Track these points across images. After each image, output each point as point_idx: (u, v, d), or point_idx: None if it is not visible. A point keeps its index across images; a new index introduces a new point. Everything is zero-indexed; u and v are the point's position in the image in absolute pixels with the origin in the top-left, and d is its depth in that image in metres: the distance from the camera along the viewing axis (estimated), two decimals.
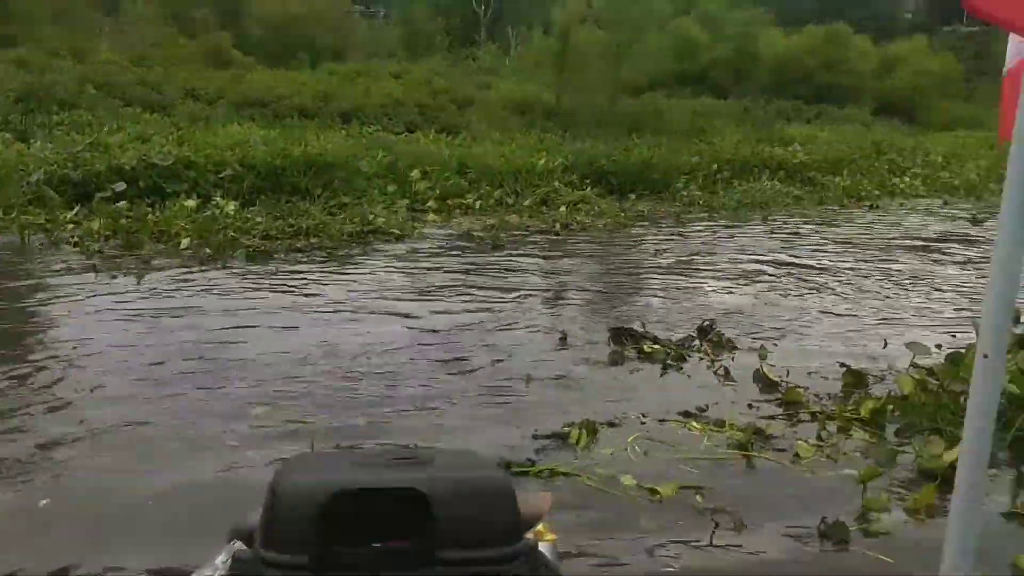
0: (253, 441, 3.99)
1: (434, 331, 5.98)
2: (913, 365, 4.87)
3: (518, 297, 7.13)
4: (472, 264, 8.48)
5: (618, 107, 22.55)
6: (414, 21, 36.46)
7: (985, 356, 1.58)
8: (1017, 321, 4.35)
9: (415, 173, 12.62)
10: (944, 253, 10.12)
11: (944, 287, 8.07)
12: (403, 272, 8.00)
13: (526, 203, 12.32)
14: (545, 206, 12.39)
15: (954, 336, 5.95)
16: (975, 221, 13.01)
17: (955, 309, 7.13)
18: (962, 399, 4.37)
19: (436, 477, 1.07)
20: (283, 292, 6.99)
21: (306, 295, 6.93)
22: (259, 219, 9.48)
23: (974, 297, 7.47)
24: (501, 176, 13.24)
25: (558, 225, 10.99)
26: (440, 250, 9.20)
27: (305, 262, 8.23)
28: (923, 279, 8.46)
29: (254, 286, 7.16)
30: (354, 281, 7.52)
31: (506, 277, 7.93)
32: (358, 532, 1.07)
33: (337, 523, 1.05)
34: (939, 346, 5.18)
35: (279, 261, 8.24)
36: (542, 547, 1.17)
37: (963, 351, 4.74)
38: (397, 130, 18.54)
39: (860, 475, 3.66)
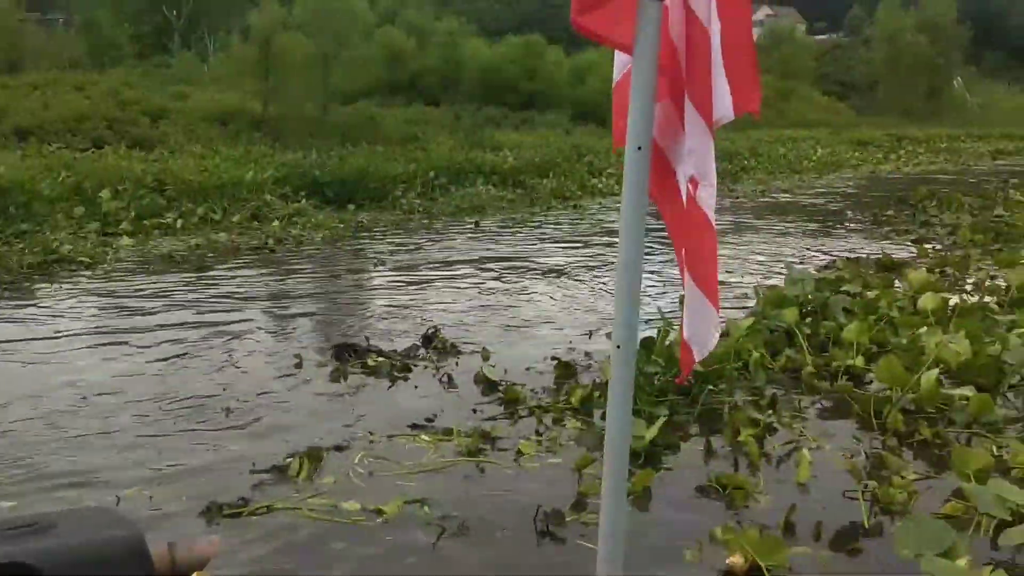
0: None
1: (140, 374, 5.44)
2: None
3: (229, 324, 6.71)
4: (175, 290, 7.86)
5: (329, 116, 22.25)
6: (98, 28, 33.22)
7: (618, 347, 1.70)
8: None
9: (105, 193, 11.46)
10: None
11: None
12: (94, 304, 7.23)
13: (235, 219, 11.71)
14: (257, 221, 11.86)
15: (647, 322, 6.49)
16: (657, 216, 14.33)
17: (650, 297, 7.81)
18: (655, 380, 4.78)
19: (50, 547, 0.93)
20: None
21: None
22: None
23: (672, 282, 8.22)
24: (204, 192, 12.46)
25: (271, 241, 10.55)
26: (136, 277, 8.43)
27: None
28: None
29: None
30: (33, 318, 6.67)
31: (216, 301, 7.44)
32: None
33: None
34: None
35: None
36: None
37: (654, 336, 5.18)
38: (83, 147, 16.76)
39: (576, 463, 3.86)
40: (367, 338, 5.98)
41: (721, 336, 5.43)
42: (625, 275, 1.67)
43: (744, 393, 4.95)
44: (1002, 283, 7.32)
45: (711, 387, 4.88)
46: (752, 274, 8.80)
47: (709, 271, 1.78)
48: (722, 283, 8.36)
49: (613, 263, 8.19)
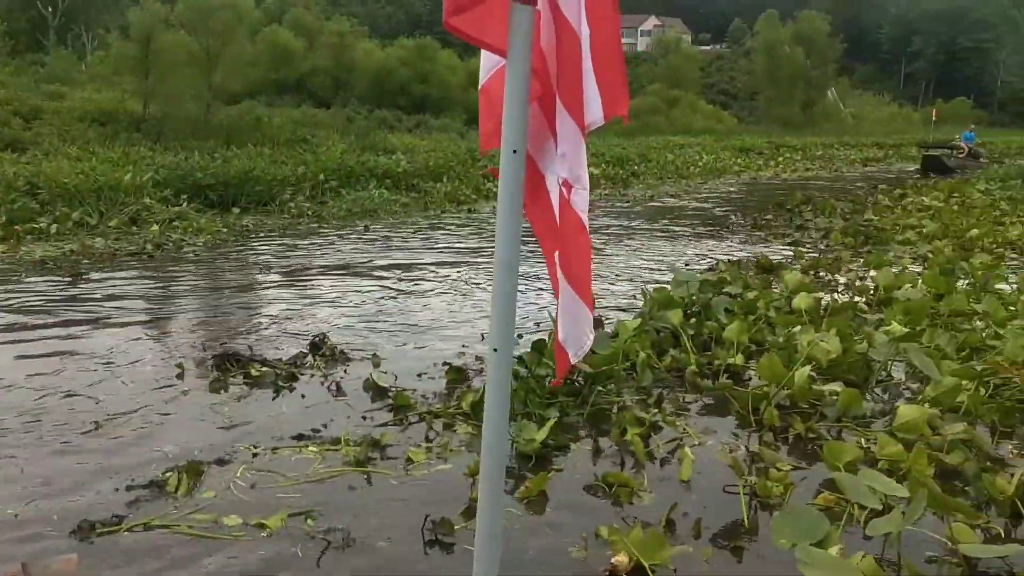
0: None
1: (9, 387, 5.09)
2: None
3: (106, 333, 6.38)
4: (48, 298, 7.43)
5: (213, 116, 21.56)
6: None
7: (495, 350, 1.70)
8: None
9: None
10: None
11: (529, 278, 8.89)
12: None
13: (112, 224, 11.16)
14: (135, 225, 11.35)
15: (538, 325, 6.55)
16: None
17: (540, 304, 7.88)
18: (546, 382, 4.82)
19: None
20: None
21: None
22: None
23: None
24: (80, 195, 11.83)
25: (150, 246, 10.11)
26: (6, 285, 7.93)
27: None
28: None
29: None
30: None
31: (91, 310, 7.07)
32: None
33: None
34: (520, 335, 5.66)
35: None
36: None
37: (545, 339, 5.22)
38: None
39: (468, 469, 3.84)
40: (250, 347, 5.79)
41: (611, 337, 5.58)
42: (501, 278, 1.67)
43: (632, 393, 5.04)
44: (870, 283, 7.72)
45: (600, 388, 4.96)
46: (641, 276, 9.00)
47: (583, 273, 1.80)
48: (612, 285, 8.56)
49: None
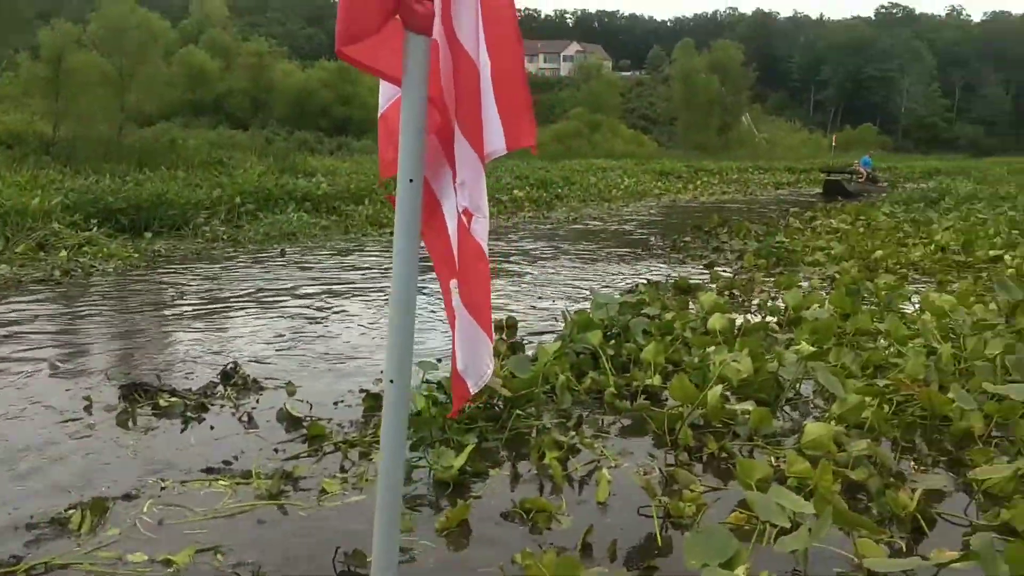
0: None
1: None
2: (424, 381, 5.20)
3: (9, 364, 6.09)
4: None
5: (126, 138, 20.97)
6: None
7: (391, 382, 1.69)
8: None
9: None
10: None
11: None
12: None
13: (18, 250, 10.70)
14: (43, 251, 10.92)
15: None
16: None
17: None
18: (468, 407, 4.80)
19: None
20: None
21: None
22: None
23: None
24: None
25: (58, 272, 9.73)
26: None
27: None
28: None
29: None
30: None
31: None
32: None
33: None
34: (440, 359, 5.63)
35: None
36: None
37: None
38: None
39: None
40: (159, 376, 5.61)
41: (531, 360, 5.60)
42: (397, 309, 1.65)
43: (552, 416, 5.05)
44: (781, 304, 7.96)
45: (519, 411, 4.96)
46: (562, 298, 9.07)
47: (482, 301, 1.79)
48: (534, 308, 8.61)
49: (426, 291, 8.27)
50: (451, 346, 1.84)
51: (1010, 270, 9.90)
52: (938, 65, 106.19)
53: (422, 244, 1.74)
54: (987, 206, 19.84)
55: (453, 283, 1.80)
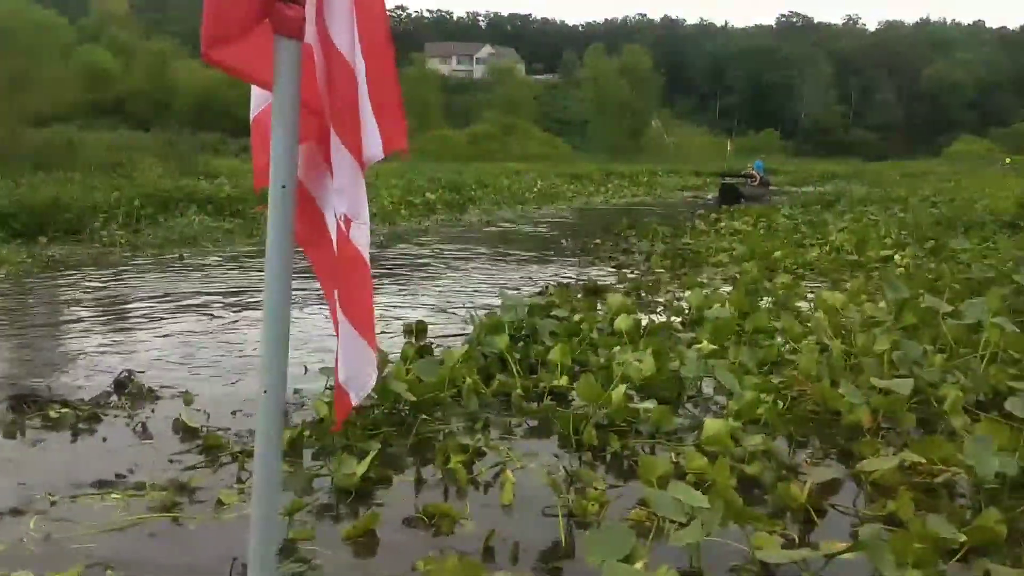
0: None
1: None
2: (328, 388, 5.12)
3: None
4: None
5: (20, 140, 19.99)
6: None
7: (265, 392, 1.66)
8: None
9: None
10: None
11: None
12: None
13: None
14: None
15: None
16: (381, 246, 14.23)
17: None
18: (372, 413, 4.75)
19: None
20: None
21: None
22: None
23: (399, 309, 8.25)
24: None
25: None
26: None
27: None
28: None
29: None
30: None
31: None
32: None
33: None
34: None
35: None
36: None
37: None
38: None
39: (284, 508, 3.69)
40: (49, 386, 5.37)
41: (438, 364, 5.57)
42: (271, 319, 1.62)
43: (458, 419, 5.05)
44: (685, 304, 8.15)
45: (425, 416, 4.94)
46: (473, 301, 9.07)
47: (365, 310, 1.77)
48: (444, 311, 8.58)
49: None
50: (341, 356, 1.80)
51: (899, 269, 10.38)
52: (836, 72, 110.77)
53: (298, 250, 1.71)
54: (879, 208, 20.77)
55: (336, 293, 1.77)
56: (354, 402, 1.82)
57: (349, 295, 1.74)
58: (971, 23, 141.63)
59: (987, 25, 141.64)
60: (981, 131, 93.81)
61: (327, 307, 1.94)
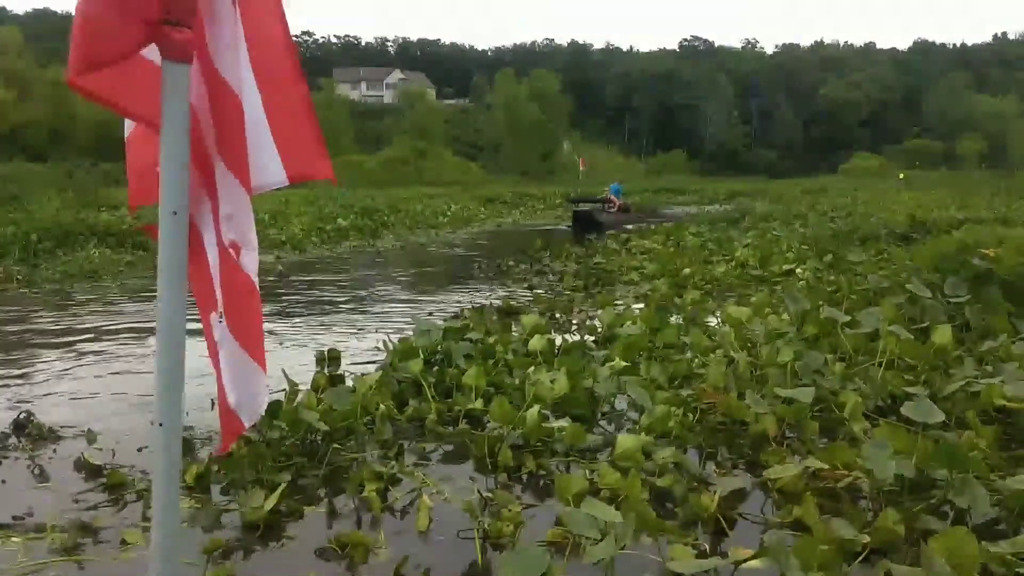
0: None
1: None
2: None
3: None
4: None
5: None
6: None
7: (160, 425, 1.63)
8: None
9: None
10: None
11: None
12: None
13: None
14: None
15: (267, 386, 6.30)
16: (282, 276, 13.96)
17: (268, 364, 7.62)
18: (281, 445, 4.65)
19: None
20: None
21: None
22: None
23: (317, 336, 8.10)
24: None
25: None
26: None
27: None
28: None
29: None
30: None
31: None
32: None
33: None
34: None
35: None
36: None
37: (281, 400, 5.05)
38: None
39: (203, 547, 3.57)
40: None
41: (350, 392, 5.50)
42: (165, 349, 1.59)
43: (373, 447, 4.98)
44: (598, 323, 8.27)
45: (338, 445, 4.86)
46: (386, 328, 8.99)
47: (255, 335, 1.76)
48: (357, 340, 8.47)
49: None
50: (230, 380, 1.78)
51: (801, 282, 10.79)
52: (738, 93, 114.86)
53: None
54: (781, 224, 21.54)
55: (214, 316, 1.75)
56: (246, 424, 1.81)
57: (239, 321, 1.73)
58: (863, 44, 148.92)
59: (878, 46, 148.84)
60: (875, 148, 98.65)
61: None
